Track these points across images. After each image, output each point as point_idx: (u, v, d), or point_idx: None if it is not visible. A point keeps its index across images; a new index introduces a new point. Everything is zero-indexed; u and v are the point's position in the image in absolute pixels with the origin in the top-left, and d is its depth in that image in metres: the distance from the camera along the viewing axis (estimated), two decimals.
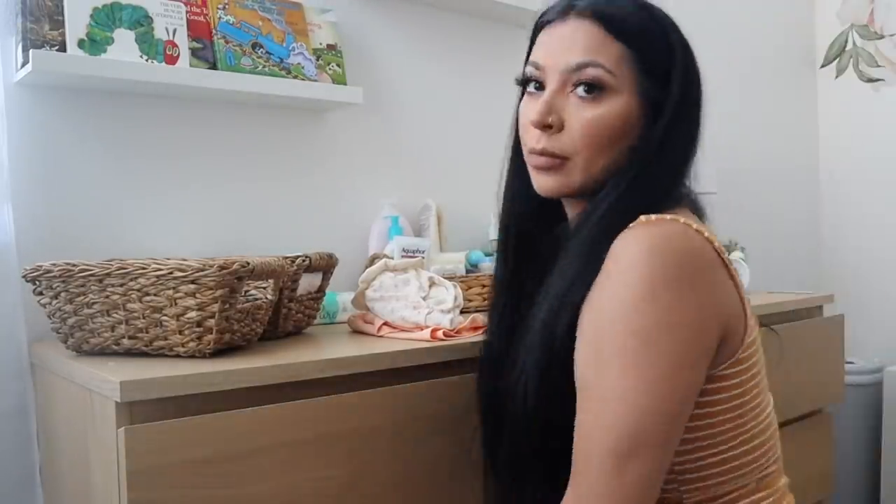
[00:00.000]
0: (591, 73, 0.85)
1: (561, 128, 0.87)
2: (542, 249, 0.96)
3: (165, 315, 1.02)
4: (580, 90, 0.86)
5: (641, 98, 0.87)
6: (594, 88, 0.85)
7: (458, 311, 1.27)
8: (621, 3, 0.88)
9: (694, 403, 0.80)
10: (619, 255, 0.79)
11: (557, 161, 0.88)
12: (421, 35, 1.85)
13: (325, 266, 1.30)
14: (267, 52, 1.49)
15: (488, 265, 1.72)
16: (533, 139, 0.90)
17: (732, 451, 0.84)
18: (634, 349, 0.76)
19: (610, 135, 0.86)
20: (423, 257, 1.51)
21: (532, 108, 0.89)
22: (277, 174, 1.62)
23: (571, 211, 0.95)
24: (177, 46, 1.37)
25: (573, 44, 0.86)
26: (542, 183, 0.90)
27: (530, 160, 0.92)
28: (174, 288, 1.01)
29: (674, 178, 0.93)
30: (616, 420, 0.76)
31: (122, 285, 1.02)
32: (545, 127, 0.87)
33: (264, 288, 1.21)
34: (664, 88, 0.88)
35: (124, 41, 1.31)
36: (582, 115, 0.85)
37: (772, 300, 1.82)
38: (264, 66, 1.48)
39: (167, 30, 1.36)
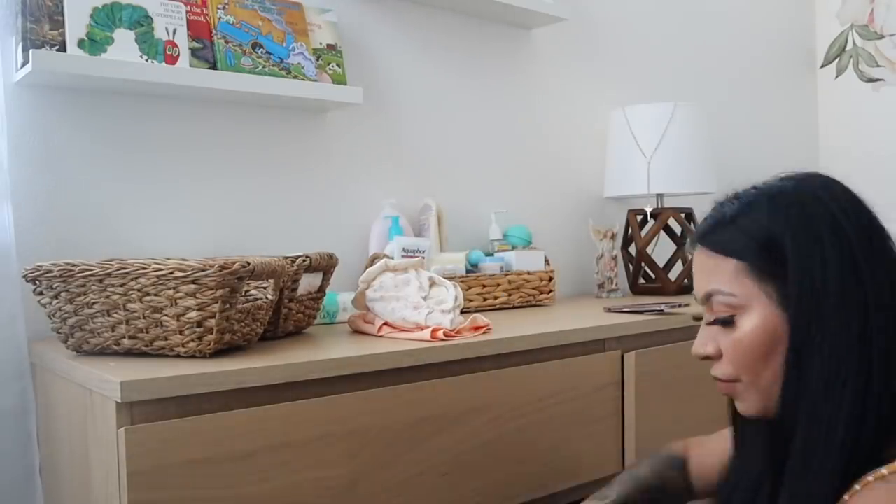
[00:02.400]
0: (716, 302, 0.84)
1: (720, 355, 0.86)
2: None
3: (166, 315, 1.02)
4: (718, 322, 0.85)
5: (778, 303, 0.81)
6: (726, 317, 0.84)
7: (458, 311, 1.27)
8: (727, 213, 0.86)
9: None
10: None
11: (729, 385, 0.86)
12: (421, 35, 1.85)
13: (325, 266, 1.30)
14: (267, 52, 1.49)
15: (488, 265, 1.72)
16: (711, 367, 0.90)
17: None
18: None
19: (758, 352, 0.82)
20: (424, 257, 1.51)
21: (696, 340, 0.90)
22: (277, 174, 1.62)
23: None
24: (177, 46, 1.37)
25: (699, 274, 0.88)
26: (738, 407, 0.89)
27: None
28: (175, 288, 1.00)
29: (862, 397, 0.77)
30: None
31: (122, 285, 1.02)
32: (704, 358, 0.88)
33: (265, 288, 1.21)
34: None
35: (124, 41, 1.31)
36: (727, 342, 0.84)
37: None
38: (264, 66, 1.48)
39: (167, 30, 1.36)
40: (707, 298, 0.85)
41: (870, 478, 0.73)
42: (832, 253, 0.78)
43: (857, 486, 0.74)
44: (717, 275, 0.84)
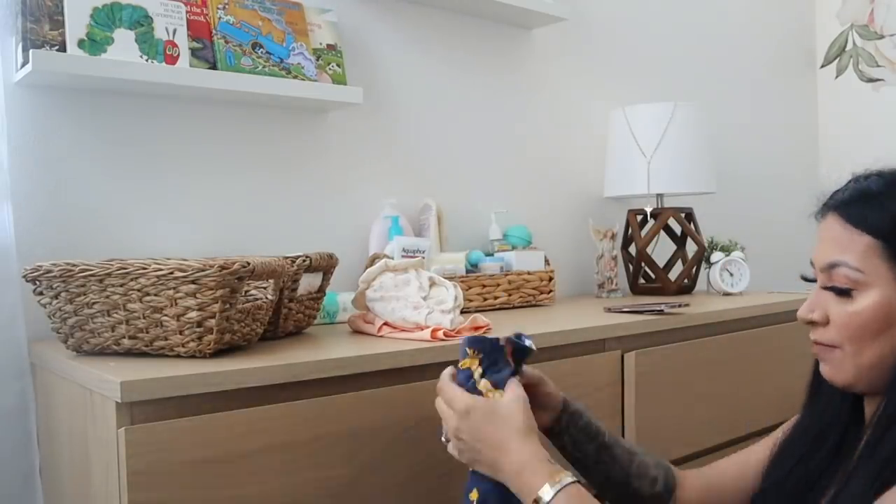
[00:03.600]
0: (839, 273, 0.84)
1: (826, 322, 0.86)
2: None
3: (166, 315, 1.02)
4: (834, 291, 0.85)
5: None
6: (845, 289, 0.84)
7: (458, 311, 1.27)
8: (872, 188, 0.85)
9: None
10: None
11: (827, 349, 0.87)
12: (421, 35, 1.85)
13: (325, 266, 1.30)
14: (267, 52, 1.49)
15: (488, 265, 1.72)
16: (810, 332, 0.90)
17: None
18: None
19: (870, 329, 0.82)
20: (424, 257, 1.51)
21: (804, 303, 0.90)
22: (277, 174, 1.62)
23: (869, 410, 0.89)
24: (177, 46, 1.37)
25: (826, 242, 0.87)
26: (823, 370, 0.89)
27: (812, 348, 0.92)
28: (175, 288, 1.01)
29: None
30: None
31: (122, 285, 1.02)
32: (810, 322, 0.88)
33: (265, 288, 1.21)
34: None
35: (124, 41, 1.31)
36: (839, 312, 0.85)
37: (772, 300, 1.82)
38: (264, 66, 1.48)
39: (167, 30, 1.36)
40: (830, 267, 0.85)
41: None
42: None
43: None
44: (847, 247, 0.83)
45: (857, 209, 0.84)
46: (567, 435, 1.05)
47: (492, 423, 0.90)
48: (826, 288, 0.86)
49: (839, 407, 0.91)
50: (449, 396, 0.94)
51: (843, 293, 0.84)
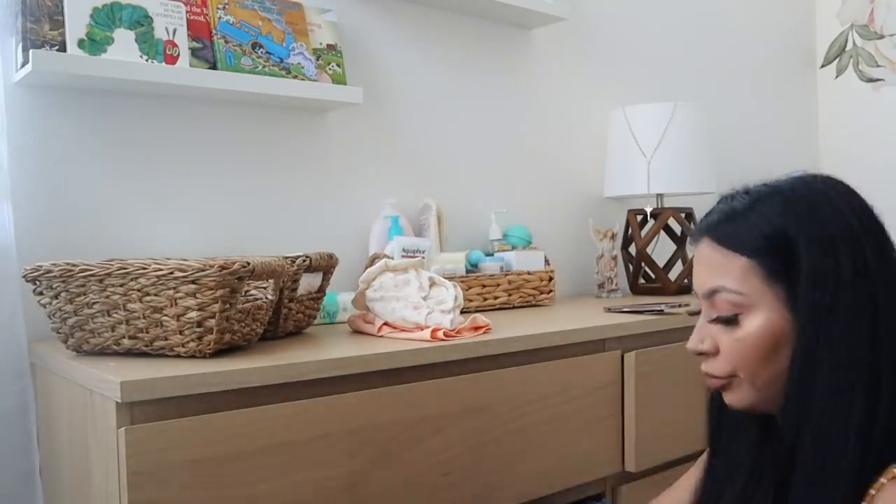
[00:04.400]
0: (721, 299, 0.82)
1: (717, 351, 0.84)
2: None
3: (166, 315, 1.02)
4: (719, 321, 0.83)
5: (785, 304, 0.79)
6: (730, 317, 0.82)
7: (458, 311, 1.27)
8: (738, 207, 0.83)
9: None
10: None
11: (723, 381, 0.85)
12: (421, 35, 1.85)
13: (325, 266, 1.30)
14: (267, 52, 1.49)
15: (488, 265, 1.72)
16: (702, 362, 0.88)
17: None
18: None
19: (761, 352, 0.80)
20: (424, 257, 1.51)
21: (692, 335, 0.88)
22: (278, 174, 1.62)
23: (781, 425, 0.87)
24: (177, 46, 1.37)
25: (702, 267, 0.85)
26: (725, 397, 0.87)
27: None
28: (175, 288, 1.00)
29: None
30: None
31: (122, 285, 1.02)
32: (700, 354, 0.86)
33: (265, 288, 1.21)
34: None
35: (124, 41, 1.31)
36: (727, 340, 0.82)
37: None
38: (264, 66, 1.48)
39: (167, 30, 1.36)
40: (711, 294, 0.83)
41: (883, 480, 0.73)
42: (846, 258, 0.77)
43: (872, 492, 0.73)
44: (724, 271, 0.81)
45: (728, 230, 0.82)
46: None
47: None
48: (712, 321, 0.84)
49: (746, 430, 0.89)
50: None
51: (729, 321, 0.81)
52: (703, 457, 0.99)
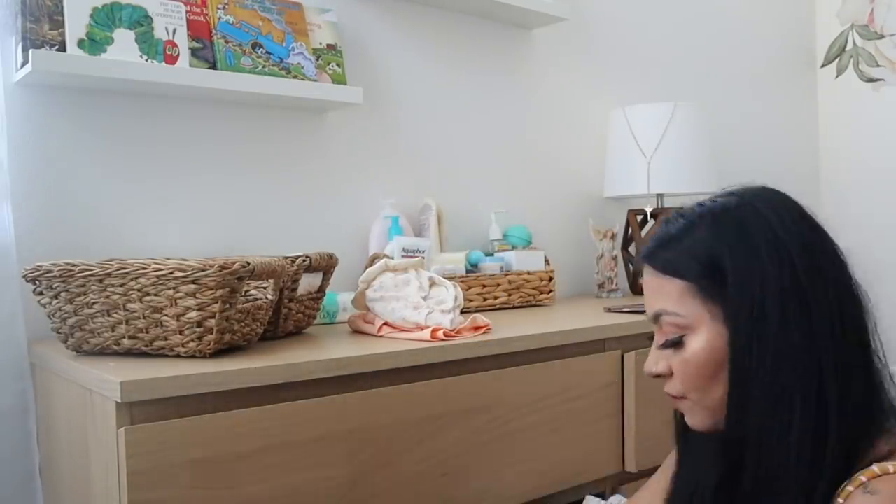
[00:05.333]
0: (665, 322, 0.84)
1: (671, 373, 0.86)
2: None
3: (166, 315, 1.02)
4: (667, 345, 0.85)
5: (723, 322, 0.80)
6: (675, 339, 0.83)
7: (458, 311, 1.27)
8: (671, 232, 0.85)
9: None
10: None
11: (678, 400, 0.87)
12: (421, 35, 1.85)
13: (325, 266, 1.30)
14: (267, 52, 1.49)
15: (488, 265, 1.72)
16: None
17: None
18: None
19: (704, 371, 0.81)
20: (424, 257, 1.51)
21: (647, 358, 0.89)
22: (277, 174, 1.62)
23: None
24: (177, 46, 1.37)
25: (647, 293, 0.87)
26: (686, 419, 0.88)
27: None
28: (174, 288, 1.00)
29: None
30: None
31: (122, 285, 1.02)
32: (657, 376, 0.88)
33: (264, 288, 1.21)
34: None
35: (124, 41, 1.31)
36: (676, 361, 0.84)
37: None
38: (264, 66, 1.48)
39: (167, 30, 1.36)
40: (656, 318, 0.85)
41: (850, 488, 0.73)
42: (771, 269, 0.77)
43: (839, 500, 0.73)
44: (663, 295, 0.84)
45: (663, 256, 0.84)
46: None
47: None
48: (661, 346, 0.85)
49: (710, 446, 0.88)
50: None
51: (676, 344, 0.83)
52: (670, 459, 0.99)
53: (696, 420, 0.86)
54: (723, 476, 0.84)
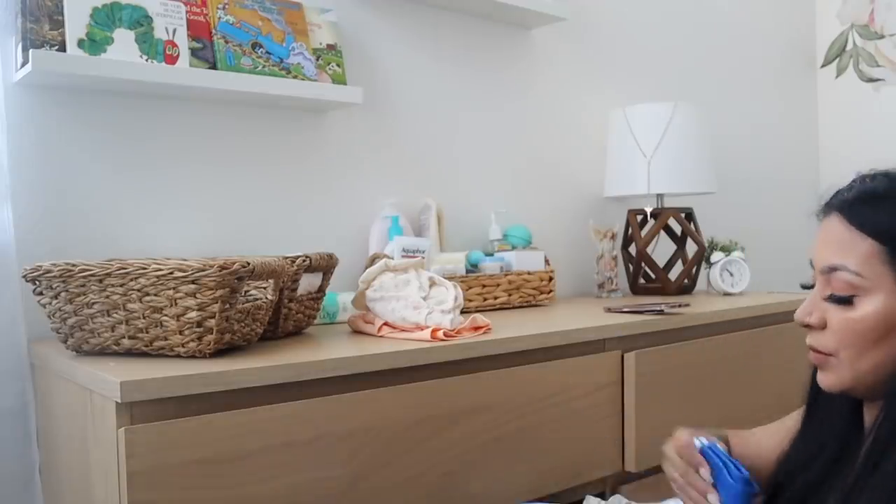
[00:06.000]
0: (839, 277, 0.81)
1: (824, 326, 0.83)
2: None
3: (166, 315, 1.02)
4: (832, 300, 0.83)
5: None
6: (844, 297, 0.81)
7: (458, 311, 1.27)
8: (878, 190, 0.82)
9: None
10: None
11: (822, 357, 0.84)
12: (421, 35, 1.85)
13: (325, 266, 1.30)
14: (267, 52, 1.49)
15: (488, 265, 1.72)
16: (807, 335, 0.88)
17: None
18: None
19: (870, 336, 0.80)
20: (423, 257, 1.51)
21: (801, 305, 0.87)
22: (277, 174, 1.62)
23: (869, 416, 0.87)
24: (177, 46, 1.37)
25: (827, 244, 0.83)
26: (819, 378, 0.86)
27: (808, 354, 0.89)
28: (174, 288, 1.00)
29: None
30: None
31: (122, 285, 1.02)
32: (806, 326, 0.86)
33: (264, 288, 1.21)
34: None
35: (124, 41, 1.31)
36: (838, 317, 0.82)
37: (772, 300, 1.82)
38: (264, 66, 1.48)
39: (167, 30, 1.36)
40: (829, 271, 0.82)
41: None
42: None
43: None
44: (849, 250, 0.80)
45: (862, 211, 0.81)
46: None
47: None
48: (825, 298, 0.83)
49: (838, 414, 0.88)
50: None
51: (843, 301, 0.81)
52: (790, 417, 0.98)
53: (835, 379, 0.83)
54: (845, 445, 0.83)
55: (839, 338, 0.82)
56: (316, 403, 1.02)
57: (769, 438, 1.01)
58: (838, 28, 2.86)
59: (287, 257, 1.21)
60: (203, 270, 0.99)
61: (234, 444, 0.94)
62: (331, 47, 1.61)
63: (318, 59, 1.58)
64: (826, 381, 0.85)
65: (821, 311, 0.84)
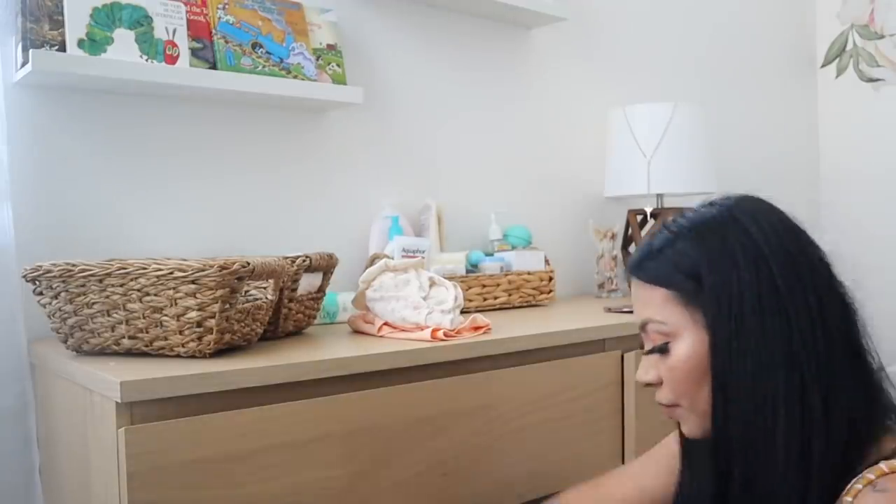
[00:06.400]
0: (651, 330, 0.86)
1: (660, 381, 0.87)
2: None
3: (166, 315, 1.02)
4: (654, 352, 0.87)
5: (705, 329, 0.82)
6: (660, 346, 0.85)
7: (458, 311, 1.27)
8: (655, 245, 0.88)
9: None
10: None
11: (670, 409, 0.88)
12: (421, 35, 1.85)
13: (325, 266, 1.30)
14: (267, 52, 1.49)
15: (488, 265, 1.72)
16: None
17: None
18: None
19: (692, 376, 0.83)
20: (423, 257, 1.51)
21: (639, 367, 0.91)
22: (277, 174, 1.62)
23: None
24: (177, 46, 1.37)
25: (636, 304, 0.89)
26: (682, 430, 0.90)
27: None
28: (174, 288, 1.00)
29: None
30: None
31: (122, 285, 1.02)
32: (648, 385, 0.89)
33: (264, 288, 1.21)
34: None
35: (124, 41, 1.31)
36: (664, 369, 0.86)
37: None
38: (264, 66, 1.48)
39: (167, 30, 1.36)
40: (643, 327, 0.87)
41: (858, 486, 0.73)
42: (747, 275, 0.79)
43: (848, 499, 0.73)
44: (649, 304, 0.86)
45: (647, 266, 0.87)
46: None
47: None
48: (648, 352, 0.87)
49: (708, 455, 0.89)
50: None
51: (662, 351, 0.85)
52: (670, 438, 1.02)
53: (689, 427, 0.87)
54: (720, 484, 0.85)
55: (672, 387, 0.85)
56: (316, 403, 1.02)
57: (629, 480, 1.07)
58: (838, 28, 2.86)
59: (287, 257, 1.21)
60: (203, 270, 0.99)
61: (234, 444, 0.94)
62: (331, 47, 1.61)
63: (318, 59, 1.58)
64: (686, 430, 0.88)
65: (655, 368, 0.87)
